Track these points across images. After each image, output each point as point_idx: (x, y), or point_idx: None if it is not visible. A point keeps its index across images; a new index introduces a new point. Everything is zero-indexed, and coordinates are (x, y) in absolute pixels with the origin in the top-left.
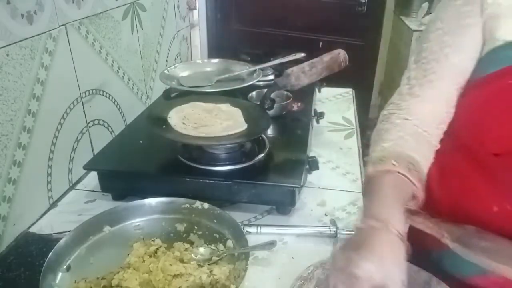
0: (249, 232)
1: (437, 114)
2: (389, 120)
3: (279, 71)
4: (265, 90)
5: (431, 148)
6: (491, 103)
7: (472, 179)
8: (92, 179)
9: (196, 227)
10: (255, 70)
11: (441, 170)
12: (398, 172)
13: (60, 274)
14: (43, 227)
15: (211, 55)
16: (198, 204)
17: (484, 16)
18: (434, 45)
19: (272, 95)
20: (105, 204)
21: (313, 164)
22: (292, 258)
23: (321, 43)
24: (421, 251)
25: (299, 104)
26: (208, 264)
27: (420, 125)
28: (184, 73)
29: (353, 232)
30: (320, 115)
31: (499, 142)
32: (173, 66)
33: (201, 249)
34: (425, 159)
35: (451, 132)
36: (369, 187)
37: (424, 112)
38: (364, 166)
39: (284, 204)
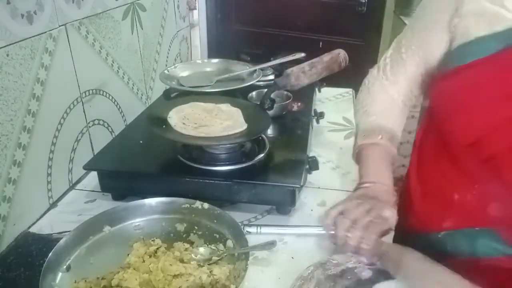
0: (249, 232)
1: (404, 92)
2: (370, 92)
3: (279, 71)
4: (265, 90)
5: (403, 118)
6: (458, 95)
7: (443, 166)
8: (92, 179)
9: (196, 227)
10: (255, 70)
11: (419, 157)
12: (383, 144)
13: (60, 274)
14: (43, 227)
15: (211, 55)
16: (198, 204)
17: (459, 13)
18: (410, 32)
19: (272, 95)
20: (105, 204)
21: (313, 164)
22: (292, 258)
23: (321, 43)
24: (421, 233)
25: (299, 104)
26: (208, 264)
27: (392, 99)
28: (184, 73)
29: (358, 189)
30: (320, 115)
31: (465, 133)
32: (173, 66)
33: (201, 249)
34: (400, 127)
35: (430, 123)
36: (361, 155)
37: (393, 90)
38: (355, 135)
39: (284, 204)
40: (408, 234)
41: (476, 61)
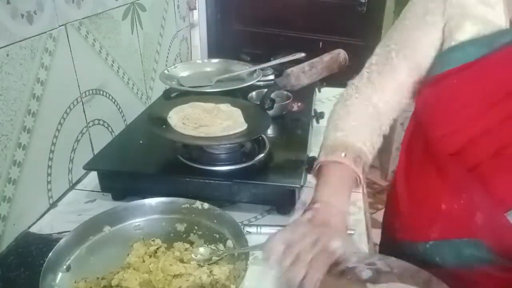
0: (249, 232)
1: (390, 102)
2: (347, 104)
3: (279, 71)
4: (265, 90)
5: (380, 134)
6: (441, 103)
7: (430, 176)
8: (92, 179)
9: (196, 227)
10: (255, 70)
11: (406, 163)
12: (346, 164)
13: (60, 274)
14: (43, 227)
15: (211, 55)
16: (198, 204)
17: (446, 15)
18: (398, 35)
19: (272, 95)
20: (105, 204)
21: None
22: None
23: (321, 43)
24: (409, 241)
25: (299, 104)
26: (208, 264)
27: (373, 113)
28: (184, 73)
29: (308, 210)
30: (320, 115)
31: (449, 142)
32: (173, 66)
33: (201, 249)
34: (372, 146)
35: (416, 130)
36: (321, 173)
37: (378, 99)
38: (320, 150)
39: (284, 204)
40: (395, 241)
41: (459, 67)
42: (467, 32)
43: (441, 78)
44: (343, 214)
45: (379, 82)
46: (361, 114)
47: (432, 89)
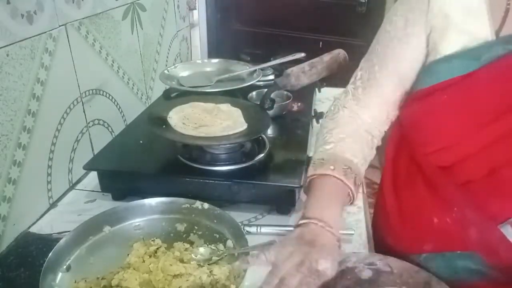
0: (249, 232)
1: (378, 117)
2: (335, 118)
3: (279, 71)
4: (265, 90)
5: (372, 147)
6: (427, 119)
7: (419, 189)
8: (92, 179)
9: (196, 227)
10: (255, 70)
11: (393, 179)
12: (335, 177)
13: (60, 274)
14: (43, 227)
15: (211, 55)
16: (198, 204)
17: (428, 27)
18: (380, 48)
19: (272, 95)
20: (105, 204)
21: None
22: None
23: (321, 43)
24: (401, 253)
25: (299, 104)
26: (208, 264)
27: (362, 125)
28: (184, 73)
29: (297, 227)
30: (320, 115)
31: (439, 158)
32: (173, 66)
33: (201, 249)
34: (364, 159)
35: (402, 140)
36: (310, 188)
37: (365, 115)
38: (308, 164)
39: (284, 204)
40: (388, 251)
41: (446, 81)
42: (452, 44)
43: (428, 93)
44: (332, 230)
45: (364, 98)
46: (349, 126)
47: (419, 104)
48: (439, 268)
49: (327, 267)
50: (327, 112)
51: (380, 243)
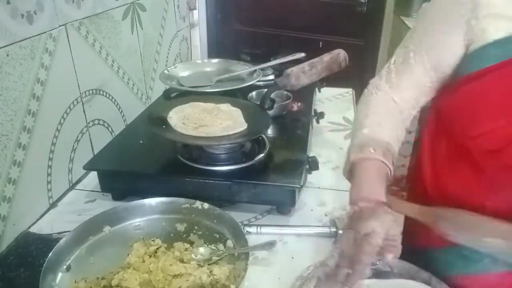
0: (249, 232)
1: (408, 100)
2: (368, 102)
3: (279, 71)
4: (265, 90)
5: (403, 128)
6: (485, 97)
7: (464, 174)
8: (92, 179)
9: (196, 227)
10: (255, 70)
11: (433, 168)
12: (377, 158)
13: (60, 274)
14: (43, 227)
15: (211, 55)
16: (198, 204)
17: (473, 15)
18: (417, 36)
19: (272, 95)
20: (105, 204)
21: (313, 164)
22: (292, 258)
23: (321, 43)
24: (410, 251)
25: (299, 104)
26: (208, 264)
27: (395, 109)
28: (184, 73)
29: (348, 214)
30: (320, 115)
31: (488, 138)
32: (173, 66)
33: (201, 249)
34: (397, 139)
35: (440, 129)
36: (354, 173)
37: (396, 97)
38: (348, 151)
39: (284, 204)
40: (425, 249)
41: (497, 64)
42: (500, 30)
43: (476, 77)
44: (380, 208)
45: (395, 81)
46: (383, 109)
47: (468, 86)
48: (479, 258)
49: (373, 225)
50: (361, 96)
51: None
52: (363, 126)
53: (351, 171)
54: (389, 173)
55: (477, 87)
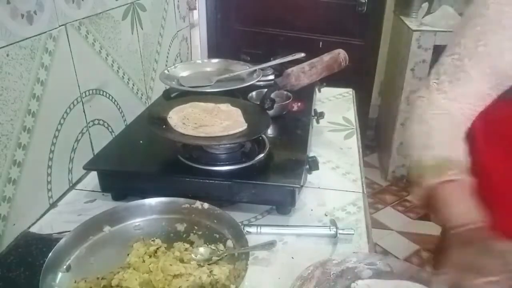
0: (249, 232)
1: (466, 110)
2: (425, 119)
3: (279, 71)
4: (265, 90)
5: (463, 140)
6: None
7: None
8: (92, 179)
9: (196, 227)
10: (255, 70)
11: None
12: (457, 179)
13: (60, 274)
14: (43, 227)
15: (211, 55)
16: (198, 204)
17: None
18: (469, 42)
19: (272, 95)
20: (105, 204)
21: (313, 164)
22: (292, 258)
23: (321, 43)
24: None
25: (299, 104)
26: (208, 264)
27: (455, 121)
28: (184, 73)
29: (457, 238)
30: (320, 115)
31: None
32: (173, 66)
33: (201, 249)
34: (464, 154)
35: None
36: (440, 196)
37: (453, 107)
38: (412, 172)
39: (284, 204)
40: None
41: None
42: None
43: None
44: (483, 227)
45: (451, 91)
46: (442, 126)
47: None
48: None
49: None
50: (411, 113)
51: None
52: (429, 147)
53: (432, 197)
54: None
55: None
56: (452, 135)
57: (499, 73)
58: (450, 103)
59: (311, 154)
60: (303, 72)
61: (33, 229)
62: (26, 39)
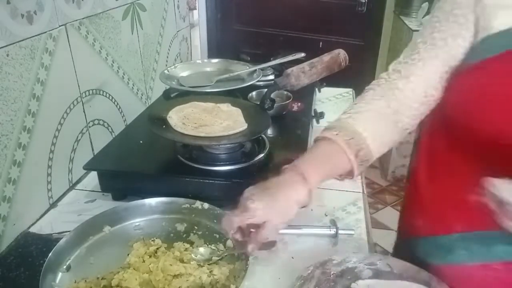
0: None
1: (416, 93)
2: (364, 95)
3: (279, 71)
4: (265, 90)
5: (395, 131)
6: (492, 87)
7: (459, 166)
8: (92, 179)
9: (196, 227)
10: (255, 70)
11: (429, 158)
12: (336, 141)
13: (60, 274)
14: (43, 227)
15: (211, 55)
16: (198, 204)
17: (480, 6)
18: (426, 31)
19: (272, 95)
20: (105, 204)
21: None
22: (292, 258)
23: (321, 43)
24: (429, 235)
25: (299, 104)
26: (208, 264)
27: (392, 105)
28: (184, 73)
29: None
30: (320, 115)
31: (500, 129)
32: (173, 66)
33: (201, 249)
34: (378, 137)
35: (439, 117)
36: (310, 147)
37: (404, 86)
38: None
39: None
40: (411, 237)
41: (503, 53)
42: (503, 20)
43: (485, 64)
44: (302, 182)
45: (404, 70)
46: (374, 104)
47: (479, 74)
48: (471, 248)
49: (256, 206)
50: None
51: (405, 227)
52: (345, 112)
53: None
54: (349, 162)
55: (482, 77)
56: (370, 111)
57: (445, 58)
58: (402, 80)
59: None
60: (303, 72)
61: (33, 229)
62: (26, 39)
